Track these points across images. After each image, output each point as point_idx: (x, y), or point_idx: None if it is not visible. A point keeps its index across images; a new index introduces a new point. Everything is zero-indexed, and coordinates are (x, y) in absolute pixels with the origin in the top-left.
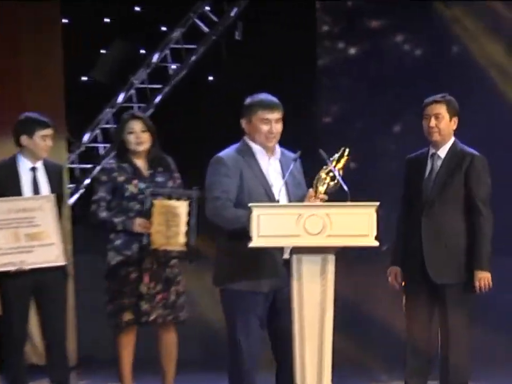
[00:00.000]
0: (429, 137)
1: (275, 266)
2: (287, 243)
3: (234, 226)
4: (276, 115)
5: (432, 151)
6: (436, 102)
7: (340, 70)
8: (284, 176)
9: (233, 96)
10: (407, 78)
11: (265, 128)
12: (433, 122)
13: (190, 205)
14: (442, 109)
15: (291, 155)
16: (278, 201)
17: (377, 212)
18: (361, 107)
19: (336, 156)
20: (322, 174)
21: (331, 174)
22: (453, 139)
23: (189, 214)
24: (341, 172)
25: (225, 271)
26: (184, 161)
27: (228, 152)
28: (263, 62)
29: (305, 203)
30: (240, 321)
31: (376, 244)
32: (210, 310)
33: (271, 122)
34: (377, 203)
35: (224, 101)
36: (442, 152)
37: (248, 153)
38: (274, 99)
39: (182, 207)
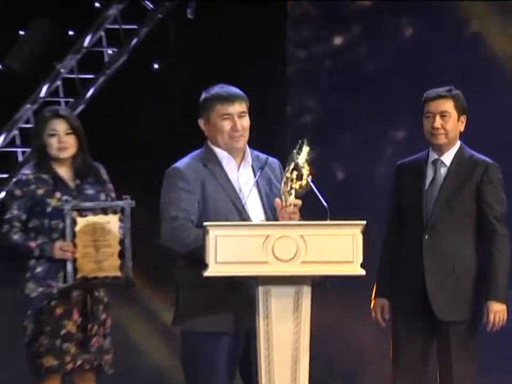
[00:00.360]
0: (432, 139)
1: (247, 300)
2: (252, 271)
3: (195, 252)
4: (238, 107)
5: (433, 156)
6: (442, 97)
7: (317, 57)
8: (258, 185)
9: (184, 89)
10: (400, 68)
11: (227, 125)
12: (438, 122)
13: (121, 219)
14: (449, 106)
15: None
16: (247, 219)
17: (364, 233)
18: (345, 103)
19: (294, 151)
20: (287, 174)
21: (295, 172)
22: (459, 143)
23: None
24: (307, 168)
25: (185, 308)
26: (121, 170)
27: (186, 162)
28: (220, 46)
29: (273, 222)
30: (202, 375)
31: (362, 272)
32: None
33: (234, 117)
34: (363, 222)
35: (173, 95)
36: (447, 158)
37: (211, 161)
38: (234, 89)
39: (112, 223)
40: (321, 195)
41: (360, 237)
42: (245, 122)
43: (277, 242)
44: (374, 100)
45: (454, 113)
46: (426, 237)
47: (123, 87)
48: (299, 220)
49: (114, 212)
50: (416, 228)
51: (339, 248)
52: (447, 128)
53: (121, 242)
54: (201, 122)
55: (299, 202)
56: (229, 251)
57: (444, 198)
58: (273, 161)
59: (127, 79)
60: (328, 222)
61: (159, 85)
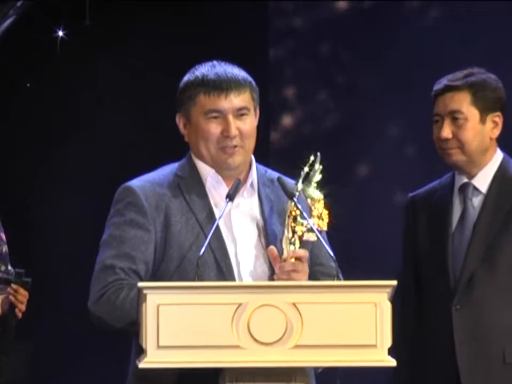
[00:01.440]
0: (443, 157)
1: None
2: (215, 361)
3: (133, 326)
4: (235, 101)
5: (461, 180)
6: (451, 88)
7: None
8: (266, 225)
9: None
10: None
11: (214, 128)
12: (447, 129)
13: (6, 303)
14: (463, 102)
15: (289, 183)
16: (231, 277)
17: (392, 301)
18: (338, 99)
19: (304, 170)
20: (289, 210)
21: (295, 212)
22: (500, 155)
23: (3, 314)
24: (318, 200)
25: None
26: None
27: (147, 178)
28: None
29: (248, 282)
30: None
31: (392, 362)
32: None
33: (226, 115)
34: (393, 282)
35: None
36: (482, 181)
37: (189, 181)
38: (231, 70)
39: None
40: (327, 244)
41: (388, 307)
42: (246, 124)
43: (255, 314)
44: None
45: (474, 113)
46: (458, 306)
47: None
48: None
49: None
50: (441, 293)
51: (353, 323)
52: (462, 138)
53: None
54: (179, 120)
55: (304, 254)
56: (179, 329)
57: (480, 245)
58: (293, 186)
59: None
60: (336, 282)
61: None
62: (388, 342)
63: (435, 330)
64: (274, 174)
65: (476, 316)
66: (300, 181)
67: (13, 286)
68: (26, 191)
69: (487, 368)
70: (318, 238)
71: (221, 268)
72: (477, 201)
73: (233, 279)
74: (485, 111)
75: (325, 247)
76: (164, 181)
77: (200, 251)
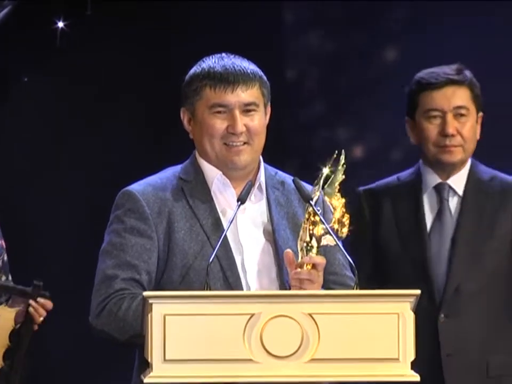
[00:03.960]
0: (442, 156)
1: None
2: (225, 376)
3: (137, 338)
4: (242, 95)
5: (434, 179)
6: (454, 82)
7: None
8: (274, 231)
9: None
10: None
11: (219, 124)
12: (453, 125)
13: (20, 315)
14: (466, 98)
15: (304, 185)
16: (238, 287)
17: (416, 311)
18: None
19: (324, 174)
20: (306, 215)
21: (313, 217)
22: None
23: (17, 328)
24: (340, 204)
25: None
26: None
27: (149, 182)
28: None
29: (262, 291)
30: None
31: (416, 377)
32: None
33: (233, 111)
34: (416, 291)
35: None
36: (458, 182)
37: (194, 184)
38: (240, 63)
39: (5, 317)
40: (346, 250)
41: (411, 317)
42: (254, 121)
43: (269, 325)
44: None
45: (473, 110)
46: (444, 317)
47: None
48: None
49: (13, 302)
50: (423, 301)
51: (374, 335)
52: (465, 135)
53: (13, 340)
54: (183, 116)
55: (321, 261)
56: (187, 341)
57: (465, 253)
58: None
59: None
60: (355, 291)
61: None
62: (411, 355)
63: (420, 339)
64: (285, 176)
65: (462, 327)
66: (321, 182)
67: (33, 299)
68: (25, 196)
69: (472, 382)
70: (336, 244)
71: (227, 278)
72: (453, 203)
73: (240, 289)
74: (478, 109)
75: (343, 254)
76: (166, 184)
77: (205, 259)
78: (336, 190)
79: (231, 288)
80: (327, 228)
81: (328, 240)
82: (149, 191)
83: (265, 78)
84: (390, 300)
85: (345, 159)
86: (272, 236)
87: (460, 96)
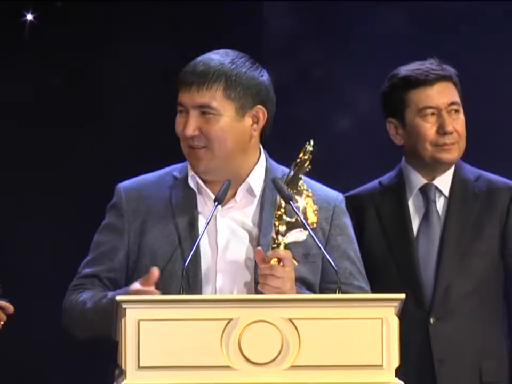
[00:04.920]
0: (440, 155)
1: None
2: (203, 383)
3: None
4: (197, 96)
5: (419, 181)
6: (445, 78)
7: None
8: (260, 234)
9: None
10: None
11: (179, 124)
12: (451, 122)
13: None
14: (456, 92)
15: (286, 189)
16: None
17: (406, 315)
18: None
19: (291, 171)
20: (276, 213)
21: (282, 209)
22: None
23: None
24: (307, 196)
25: None
26: None
27: (139, 179)
28: None
29: (240, 295)
30: None
31: None
32: None
33: (188, 111)
34: (401, 296)
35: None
36: (444, 183)
37: (180, 183)
38: (209, 62)
39: None
40: (326, 250)
41: (396, 323)
42: (210, 125)
43: (247, 331)
44: None
45: (461, 105)
46: (432, 320)
47: None
48: (287, 290)
49: None
50: (412, 305)
51: (357, 341)
52: (460, 132)
53: None
54: None
55: (285, 255)
56: (162, 347)
57: (453, 255)
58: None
59: None
60: (337, 295)
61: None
62: (396, 362)
63: (411, 344)
64: (284, 169)
65: (453, 330)
66: (291, 173)
67: None
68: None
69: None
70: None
71: (188, 279)
72: (440, 204)
73: (199, 293)
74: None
75: (353, 262)
76: (157, 181)
77: (172, 261)
78: (301, 181)
79: (191, 292)
80: (295, 222)
81: (295, 237)
82: (134, 187)
83: (242, 80)
84: (373, 304)
85: (313, 148)
86: (256, 240)
87: (452, 92)
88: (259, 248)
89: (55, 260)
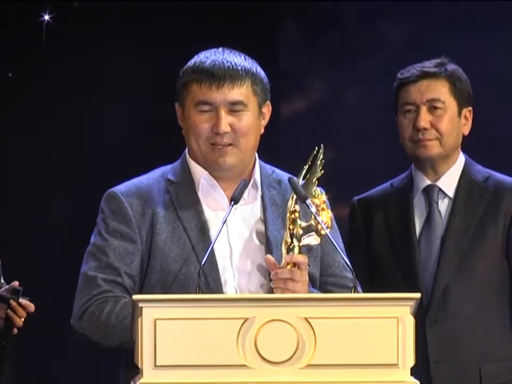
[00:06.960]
0: (417, 150)
1: None
2: (219, 382)
3: (121, 342)
4: (228, 93)
5: (422, 182)
6: (429, 75)
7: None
8: (267, 231)
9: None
10: None
11: (203, 123)
12: (425, 117)
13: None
14: (443, 90)
15: (301, 188)
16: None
17: (416, 316)
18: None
19: (303, 170)
20: (288, 212)
21: (296, 212)
22: (463, 158)
23: None
24: (320, 200)
25: None
26: None
27: (134, 183)
28: None
29: (257, 295)
30: None
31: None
32: None
33: (218, 109)
34: (416, 295)
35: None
36: (448, 184)
37: (180, 186)
38: (230, 58)
39: None
40: (342, 251)
41: (411, 322)
42: (241, 121)
43: (263, 330)
44: None
45: (453, 104)
46: (432, 321)
47: None
48: (305, 291)
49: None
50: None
51: (373, 340)
52: (441, 129)
53: None
54: (177, 111)
55: (303, 260)
56: (178, 346)
57: (453, 256)
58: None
59: None
60: (353, 295)
61: None
62: (411, 361)
63: None
64: (283, 175)
65: (451, 332)
66: (301, 177)
67: (14, 301)
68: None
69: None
70: (333, 244)
71: (208, 282)
72: (443, 205)
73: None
74: (461, 103)
75: (339, 254)
76: (152, 185)
77: (186, 264)
78: (315, 187)
79: (212, 294)
80: (309, 226)
81: (310, 240)
82: (133, 192)
83: (261, 75)
84: (389, 303)
85: (323, 154)
86: (264, 236)
87: (435, 89)
88: (268, 255)
89: (62, 261)
